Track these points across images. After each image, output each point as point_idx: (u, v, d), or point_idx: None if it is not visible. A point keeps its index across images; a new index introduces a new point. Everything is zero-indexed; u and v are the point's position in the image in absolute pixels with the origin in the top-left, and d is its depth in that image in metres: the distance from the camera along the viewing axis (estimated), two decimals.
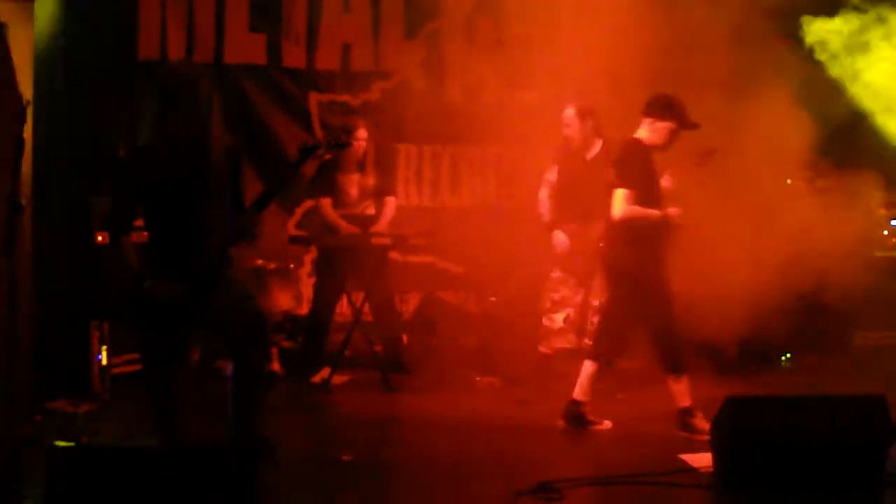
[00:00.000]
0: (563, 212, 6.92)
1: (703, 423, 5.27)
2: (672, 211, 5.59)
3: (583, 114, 6.78)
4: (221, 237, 4.66)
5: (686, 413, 5.52)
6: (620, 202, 5.56)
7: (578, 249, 6.76)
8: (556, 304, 6.88)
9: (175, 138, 4.74)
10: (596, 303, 6.58)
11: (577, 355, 6.30)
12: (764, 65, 7.08)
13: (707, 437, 4.82)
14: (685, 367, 5.59)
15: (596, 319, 6.34)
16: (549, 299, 6.91)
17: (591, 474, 4.73)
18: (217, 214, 4.69)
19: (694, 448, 5.10)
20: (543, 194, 7.01)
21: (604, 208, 5.75)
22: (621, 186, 5.57)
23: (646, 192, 5.58)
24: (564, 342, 6.83)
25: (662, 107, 5.63)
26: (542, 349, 6.93)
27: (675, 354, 5.58)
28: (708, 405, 5.00)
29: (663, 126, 5.62)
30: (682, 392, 5.57)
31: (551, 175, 7.01)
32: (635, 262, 5.54)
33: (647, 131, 5.67)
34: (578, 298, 6.83)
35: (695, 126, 5.62)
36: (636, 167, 5.61)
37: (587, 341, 6.43)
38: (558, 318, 6.85)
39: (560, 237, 6.87)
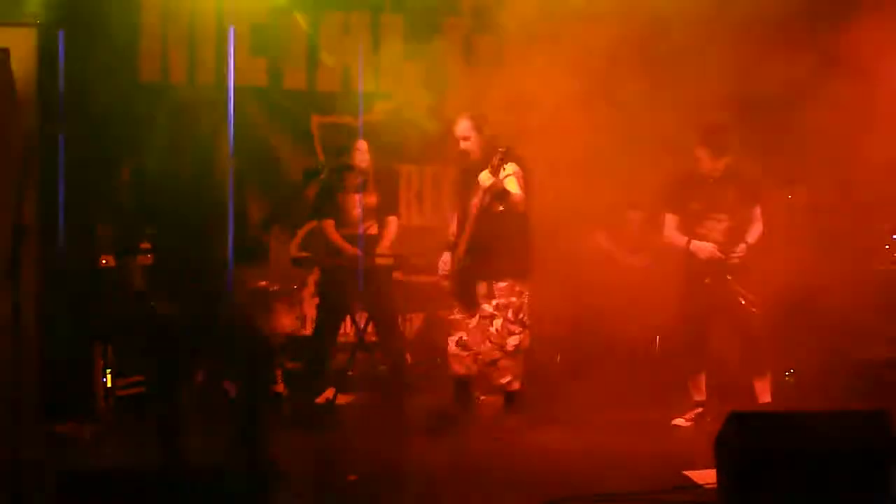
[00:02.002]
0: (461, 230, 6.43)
1: None
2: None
3: (479, 125, 6.44)
4: (225, 259, 4.69)
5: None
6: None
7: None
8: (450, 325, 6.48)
9: (179, 161, 4.77)
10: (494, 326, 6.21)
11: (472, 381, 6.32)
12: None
13: None
14: (767, 369, 6.03)
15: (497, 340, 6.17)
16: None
17: (595, 491, 4.72)
18: (220, 237, 4.72)
19: (697, 465, 5.10)
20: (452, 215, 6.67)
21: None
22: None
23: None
24: (461, 367, 6.34)
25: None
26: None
27: (756, 358, 5.99)
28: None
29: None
30: (764, 390, 6.00)
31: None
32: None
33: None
34: (473, 321, 6.32)
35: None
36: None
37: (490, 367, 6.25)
38: (451, 342, 6.38)
39: (445, 257, 6.55)
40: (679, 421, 6.17)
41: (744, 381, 6.31)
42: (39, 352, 5.89)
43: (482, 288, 6.27)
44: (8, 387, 4.29)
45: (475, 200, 6.19)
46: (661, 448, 5.70)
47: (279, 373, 7.09)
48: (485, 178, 6.01)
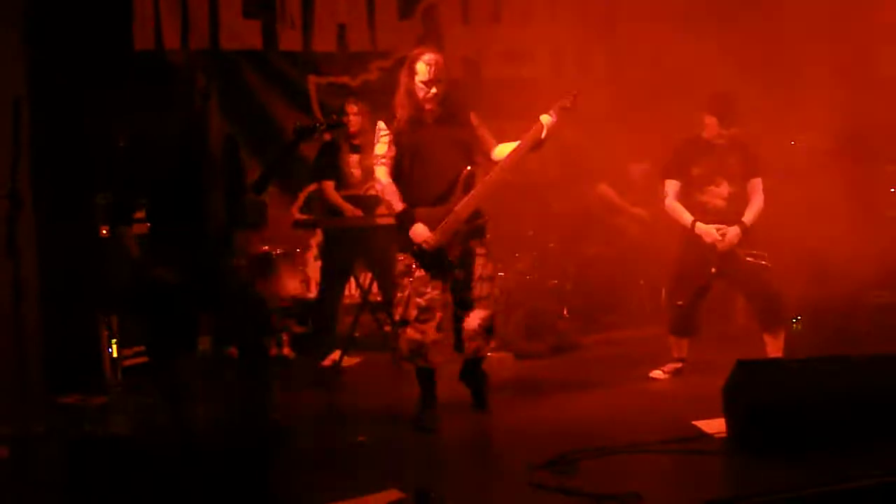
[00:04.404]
0: (414, 194, 5.28)
1: None
2: None
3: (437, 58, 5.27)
4: (221, 225, 4.66)
5: None
6: None
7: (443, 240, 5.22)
8: (425, 312, 5.24)
9: (173, 128, 4.74)
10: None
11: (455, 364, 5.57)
12: None
13: None
14: (782, 325, 5.92)
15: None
16: (414, 306, 5.25)
17: (604, 444, 4.71)
18: (217, 203, 4.70)
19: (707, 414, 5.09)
20: (382, 173, 5.32)
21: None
22: None
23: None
24: (443, 354, 5.37)
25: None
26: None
27: (772, 313, 5.88)
28: (716, 370, 4.98)
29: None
30: (777, 347, 5.88)
31: (386, 147, 5.33)
32: None
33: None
34: (446, 297, 5.34)
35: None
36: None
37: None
38: (430, 329, 5.24)
39: (420, 230, 5.19)
40: (656, 373, 6.16)
41: (748, 333, 6.30)
42: (42, 325, 5.86)
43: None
44: (12, 361, 4.27)
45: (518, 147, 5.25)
46: (669, 400, 5.69)
47: (285, 336, 7.09)
48: (547, 121, 5.23)
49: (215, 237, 4.67)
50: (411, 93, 5.25)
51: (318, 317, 7.23)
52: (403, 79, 5.30)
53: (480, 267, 5.34)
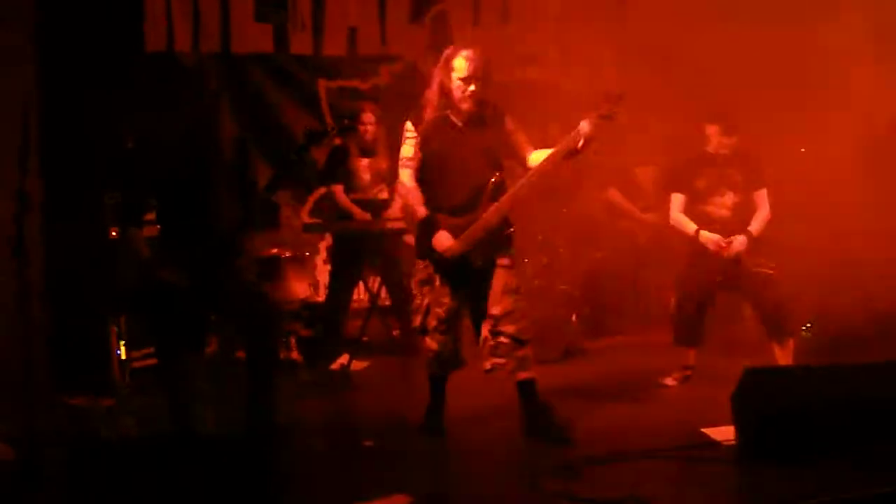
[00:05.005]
0: (438, 200, 5.03)
1: None
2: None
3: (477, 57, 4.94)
4: (231, 227, 4.67)
5: None
6: None
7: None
8: (444, 322, 5.04)
9: (183, 130, 4.75)
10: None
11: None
12: None
13: None
14: (790, 335, 5.87)
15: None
16: (433, 316, 5.04)
17: (612, 451, 4.69)
18: (227, 205, 4.70)
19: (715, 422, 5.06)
20: (406, 176, 5.07)
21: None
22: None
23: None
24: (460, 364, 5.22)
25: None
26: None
27: (779, 323, 5.82)
28: (725, 377, 4.95)
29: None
30: (785, 358, 5.82)
31: (412, 150, 5.06)
32: None
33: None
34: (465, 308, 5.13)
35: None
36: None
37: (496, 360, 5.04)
38: (448, 340, 5.08)
39: (444, 238, 4.94)
40: (666, 380, 6.13)
41: (757, 341, 6.27)
42: (49, 325, 5.85)
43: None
44: (19, 362, 4.27)
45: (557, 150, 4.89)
46: (677, 407, 5.67)
47: (293, 340, 7.08)
48: (585, 128, 4.82)
49: (225, 239, 4.67)
50: (446, 91, 4.95)
51: (327, 320, 7.23)
52: (437, 76, 4.99)
53: (505, 279, 5.00)
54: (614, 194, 8.05)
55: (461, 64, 4.89)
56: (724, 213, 5.96)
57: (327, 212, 7.62)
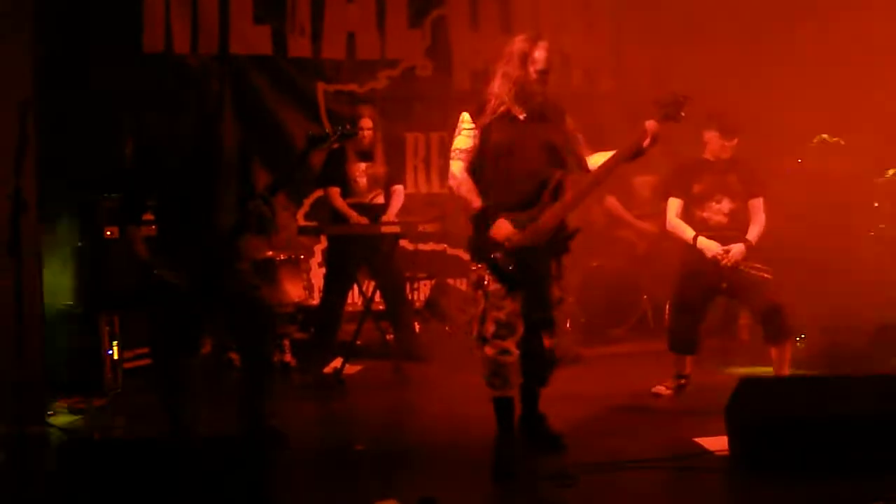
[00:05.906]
0: (496, 195, 4.67)
1: None
2: None
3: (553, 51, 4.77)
4: (229, 229, 4.67)
5: None
6: None
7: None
8: (504, 327, 4.64)
9: (183, 130, 4.75)
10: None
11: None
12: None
13: None
14: (788, 337, 5.82)
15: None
16: (492, 321, 4.65)
17: (605, 459, 4.68)
18: (225, 207, 4.70)
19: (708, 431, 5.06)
20: (458, 168, 4.73)
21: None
22: None
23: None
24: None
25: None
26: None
27: (777, 326, 5.76)
28: (719, 386, 4.96)
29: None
30: (782, 361, 5.78)
31: (470, 141, 4.73)
32: None
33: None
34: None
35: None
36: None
37: None
38: (511, 346, 4.66)
39: (504, 225, 4.58)
40: (659, 389, 6.12)
41: (751, 350, 6.27)
42: (44, 326, 5.82)
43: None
44: (12, 362, 4.26)
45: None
46: (670, 417, 5.66)
47: (287, 343, 7.07)
48: (652, 127, 4.67)
49: (223, 241, 4.67)
50: (520, 84, 4.63)
51: (321, 324, 7.22)
52: (510, 69, 4.67)
53: (554, 288, 4.78)
54: (612, 203, 8.05)
55: (541, 55, 4.65)
56: (721, 219, 5.96)
57: (323, 215, 7.61)
